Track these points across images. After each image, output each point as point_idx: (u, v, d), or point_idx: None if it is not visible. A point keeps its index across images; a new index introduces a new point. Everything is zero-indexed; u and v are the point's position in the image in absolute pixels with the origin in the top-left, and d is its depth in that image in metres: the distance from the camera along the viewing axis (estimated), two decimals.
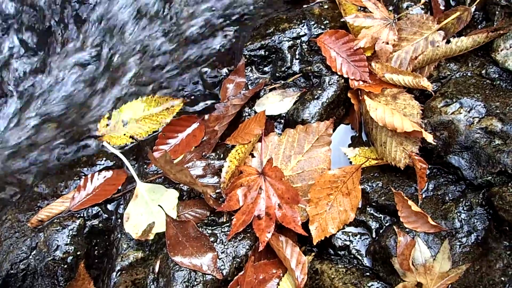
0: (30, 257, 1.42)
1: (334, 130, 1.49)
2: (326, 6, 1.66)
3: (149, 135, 1.62)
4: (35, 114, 1.83)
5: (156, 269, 1.30)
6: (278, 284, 1.26)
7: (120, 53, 1.86)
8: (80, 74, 1.88)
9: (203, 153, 1.49)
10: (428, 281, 1.20)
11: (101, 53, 1.88)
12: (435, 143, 1.30)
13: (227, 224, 1.33)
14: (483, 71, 1.39)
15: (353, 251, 1.31)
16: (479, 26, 1.50)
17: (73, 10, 1.97)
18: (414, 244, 1.21)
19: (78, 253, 1.42)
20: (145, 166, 1.52)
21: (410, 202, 1.25)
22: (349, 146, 1.50)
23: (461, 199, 1.26)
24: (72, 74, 1.89)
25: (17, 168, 1.65)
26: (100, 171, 1.52)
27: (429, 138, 1.28)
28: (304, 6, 1.70)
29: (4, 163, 1.66)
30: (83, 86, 1.85)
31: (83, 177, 1.51)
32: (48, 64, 1.95)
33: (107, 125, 1.61)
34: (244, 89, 1.61)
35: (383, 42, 1.49)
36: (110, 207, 1.49)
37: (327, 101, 1.48)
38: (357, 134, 1.52)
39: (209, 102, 1.71)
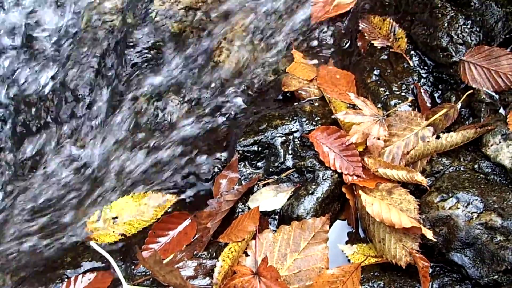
0: None
1: (330, 226, 1.44)
2: (316, 104, 1.71)
3: (139, 231, 1.56)
4: (21, 210, 1.78)
5: None
6: None
7: (113, 151, 1.87)
8: (72, 171, 1.86)
9: (195, 252, 1.43)
10: None
11: (94, 151, 1.89)
12: (435, 240, 1.26)
13: None
14: (476, 166, 1.40)
15: None
16: (467, 122, 1.54)
17: (68, 108, 2.01)
18: None
19: None
20: (133, 267, 1.44)
21: None
22: (346, 242, 1.45)
23: None
24: (64, 171, 1.87)
25: None
26: (84, 272, 1.43)
27: (429, 234, 1.24)
28: (295, 103, 1.75)
29: None
30: (74, 184, 1.82)
31: (66, 280, 1.42)
32: (40, 160, 1.94)
33: (97, 221, 1.56)
34: (237, 184, 1.59)
35: (374, 137, 1.52)
36: None
37: (322, 196, 1.46)
38: (353, 230, 1.48)
39: (201, 198, 1.67)
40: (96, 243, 1.49)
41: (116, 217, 1.57)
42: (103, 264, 1.47)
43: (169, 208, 1.62)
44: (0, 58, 2.11)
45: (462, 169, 1.40)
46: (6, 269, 1.54)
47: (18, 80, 2.07)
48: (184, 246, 1.46)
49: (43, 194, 1.83)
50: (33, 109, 2.03)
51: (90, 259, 1.49)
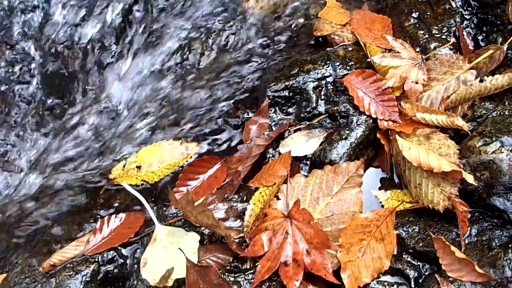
0: None
1: (364, 172, 1.41)
2: (350, 48, 1.64)
3: (161, 179, 1.55)
4: (52, 157, 1.80)
5: None
6: None
7: (141, 100, 1.86)
8: (99, 119, 1.87)
9: (225, 195, 1.42)
10: None
11: (121, 100, 1.88)
12: (476, 184, 1.22)
13: (251, 271, 1.23)
14: None
15: None
16: None
17: (95, 57, 1.99)
18: None
19: None
20: (164, 209, 1.45)
21: (453, 248, 1.14)
22: (380, 189, 1.41)
23: (510, 245, 1.15)
24: (91, 119, 1.88)
25: (31, 211, 1.59)
26: (117, 213, 1.45)
27: (470, 179, 1.20)
28: (328, 48, 1.68)
29: (19, 205, 1.61)
30: (101, 131, 1.83)
31: (100, 219, 1.44)
32: (68, 109, 1.95)
33: (122, 169, 1.56)
34: (267, 130, 1.56)
35: (412, 81, 1.45)
36: (126, 251, 1.40)
37: (356, 141, 1.42)
38: (388, 176, 1.44)
39: (231, 144, 1.66)
40: (128, 185, 1.50)
41: (140, 166, 1.57)
42: (135, 206, 1.49)
43: (196, 155, 1.60)
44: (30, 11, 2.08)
45: (507, 113, 1.33)
46: (42, 208, 1.57)
47: (47, 30, 2.05)
48: (215, 189, 1.46)
49: (72, 141, 1.85)
50: (60, 59, 2.02)
51: (122, 200, 1.50)
